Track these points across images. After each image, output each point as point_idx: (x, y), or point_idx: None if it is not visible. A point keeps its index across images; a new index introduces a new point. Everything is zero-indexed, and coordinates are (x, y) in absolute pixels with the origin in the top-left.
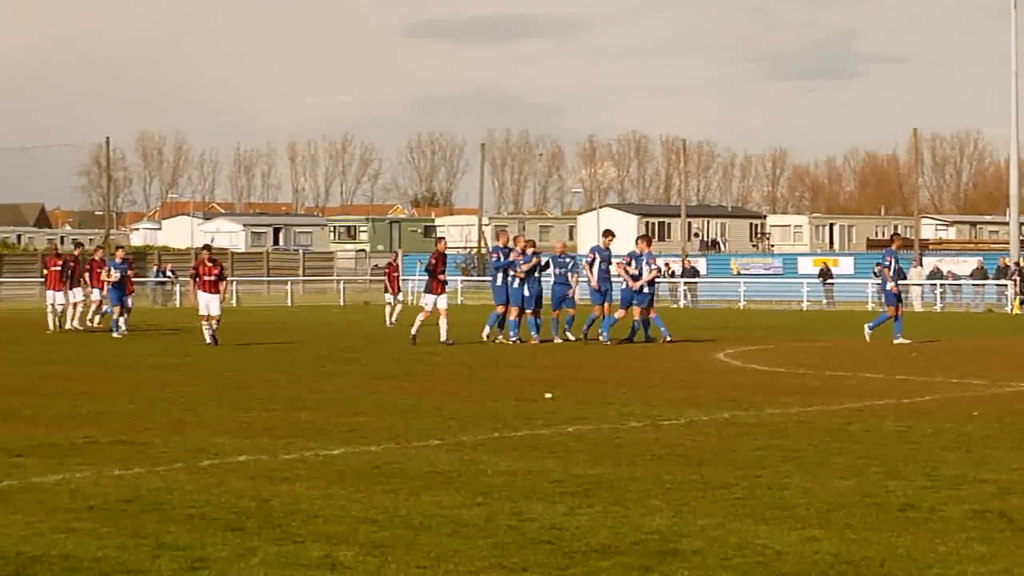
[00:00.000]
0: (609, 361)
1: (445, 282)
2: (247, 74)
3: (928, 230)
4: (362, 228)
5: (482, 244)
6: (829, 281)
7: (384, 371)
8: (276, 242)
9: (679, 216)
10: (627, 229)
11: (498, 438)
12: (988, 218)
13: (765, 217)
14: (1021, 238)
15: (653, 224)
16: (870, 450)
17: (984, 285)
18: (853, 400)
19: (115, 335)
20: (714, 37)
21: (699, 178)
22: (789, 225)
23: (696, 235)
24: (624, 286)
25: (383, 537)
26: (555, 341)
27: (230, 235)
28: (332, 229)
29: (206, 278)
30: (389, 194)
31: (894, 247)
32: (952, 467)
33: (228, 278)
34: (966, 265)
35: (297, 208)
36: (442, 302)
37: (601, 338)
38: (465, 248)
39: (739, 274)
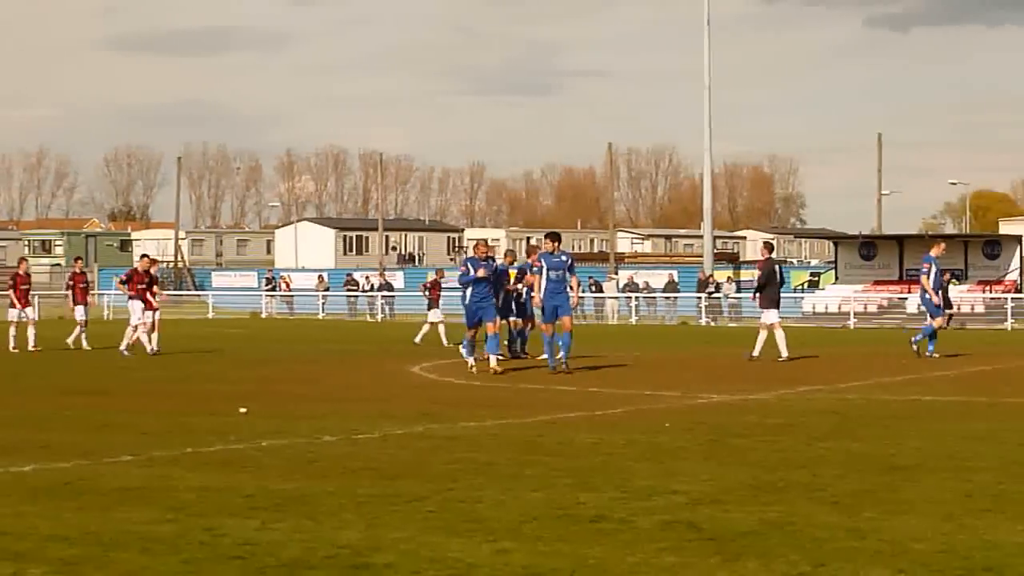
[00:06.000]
0: (306, 375)
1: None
2: None
3: (624, 243)
4: (57, 242)
5: (179, 258)
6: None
7: (77, 387)
8: None
9: (376, 230)
10: (325, 243)
11: (191, 453)
12: (683, 231)
13: (462, 231)
14: (714, 251)
15: (351, 238)
16: (562, 462)
17: (677, 298)
18: (546, 413)
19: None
20: (417, 51)
21: (397, 192)
22: (487, 239)
23: (394, 249)
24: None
25: (73, 555)
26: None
27: None
28: (27, 243)
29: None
30: (86, 208)
31: (933, 253)
32: (643, 478)
33: None
34: (661, 278)
35: None
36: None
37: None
38: (162, 262)
39: None
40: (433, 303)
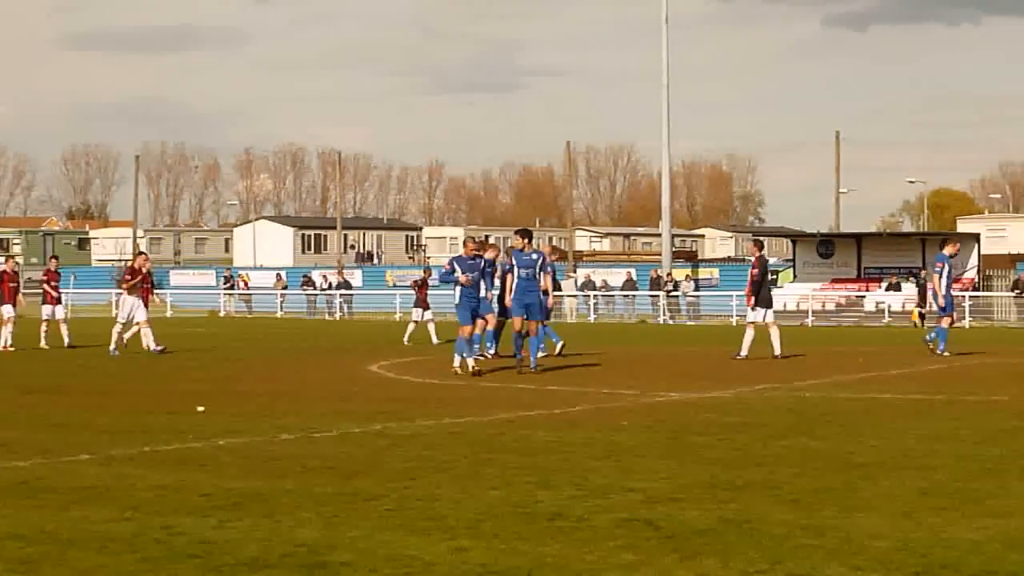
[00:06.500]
0: (264, 374)
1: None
2: None
3: (583, 242)
4: (15, 240)
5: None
6: None
7: (36, 385)
8: None
9: (335, 228)
10: (283, 241)
11: (149, 452)
12: (641, 230)
13: (421, 229)
14: (673, 250)
15: (309, 236)
16: (521, 460)
17: (636, 296)
18: (505, 411)
19: None
20: (378, 49)
21: (356, 190)
22: (445, 237)
23: (352, 247)
24: None
25: (30, 553)
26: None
27: None
28: None
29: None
30: (44, 206)
31: (947, 252)
32: (601, 476)
33: None
34: (619, 276)
35: None
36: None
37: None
38: (120, 260)
39: (395, 286)
40: (420, 302)
